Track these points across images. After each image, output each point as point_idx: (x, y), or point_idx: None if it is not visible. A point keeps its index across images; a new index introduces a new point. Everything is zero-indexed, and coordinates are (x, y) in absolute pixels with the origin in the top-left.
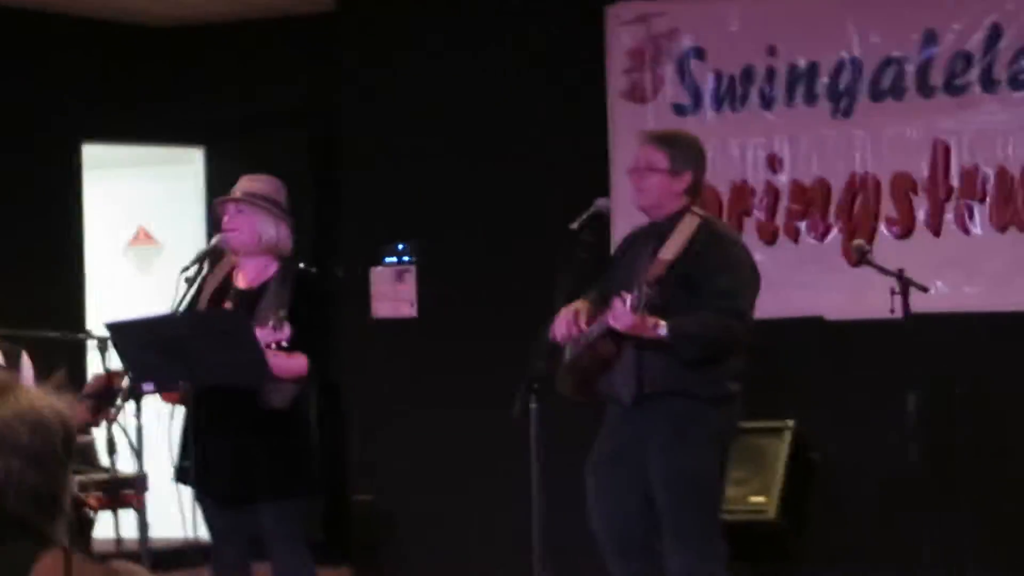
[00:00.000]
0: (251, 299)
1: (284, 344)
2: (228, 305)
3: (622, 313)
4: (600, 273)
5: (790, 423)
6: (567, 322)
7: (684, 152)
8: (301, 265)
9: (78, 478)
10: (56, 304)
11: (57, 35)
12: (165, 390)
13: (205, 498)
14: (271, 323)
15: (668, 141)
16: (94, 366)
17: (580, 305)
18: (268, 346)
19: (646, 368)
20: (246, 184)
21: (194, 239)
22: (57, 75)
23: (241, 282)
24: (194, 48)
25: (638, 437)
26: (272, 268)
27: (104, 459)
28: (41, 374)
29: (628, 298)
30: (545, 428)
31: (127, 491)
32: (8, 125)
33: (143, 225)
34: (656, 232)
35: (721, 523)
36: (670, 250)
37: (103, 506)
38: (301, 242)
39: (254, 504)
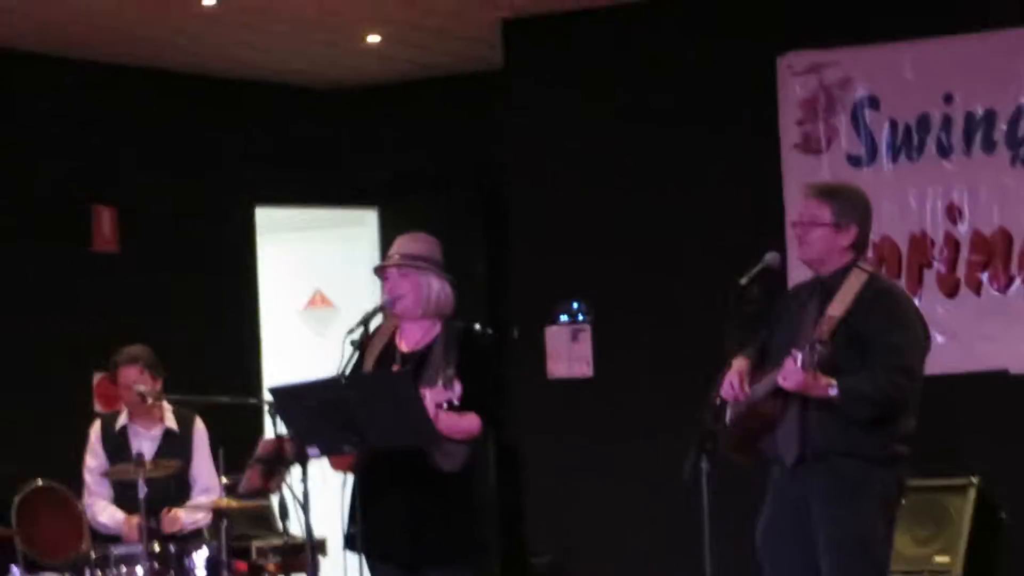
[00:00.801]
0: (417, 362)
1: (456, 403)
2: (395, 368)
3: (792, 371)
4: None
5: (975, 480)
6: (730, 383)
7: (849, 205)
8: (476, 326)
9: (256, 543)
10: (232, 368)
11: (230, 99)
12: (330, 454)
13: (375, 563)
14: (440, 382)
15: (832, 194)
16: (268, 431)
17: (741, 363)
18: (439, 406)
19: (811, 428)
20: (405, 244)
21: (370, 300)
22: (231, 138)
23: (405, 345)
24: (365, 109)
25: (802, 498)
26: (436, 329)
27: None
28: (215, 439)
29: (799, 356)
30: (717, 489)
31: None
32: (184, 189)
33: (319, 288)
34: (821, 288)
35: None
36: (838, 306)
37: (281, 571)
38: (474, 302)
39: (424, 570)
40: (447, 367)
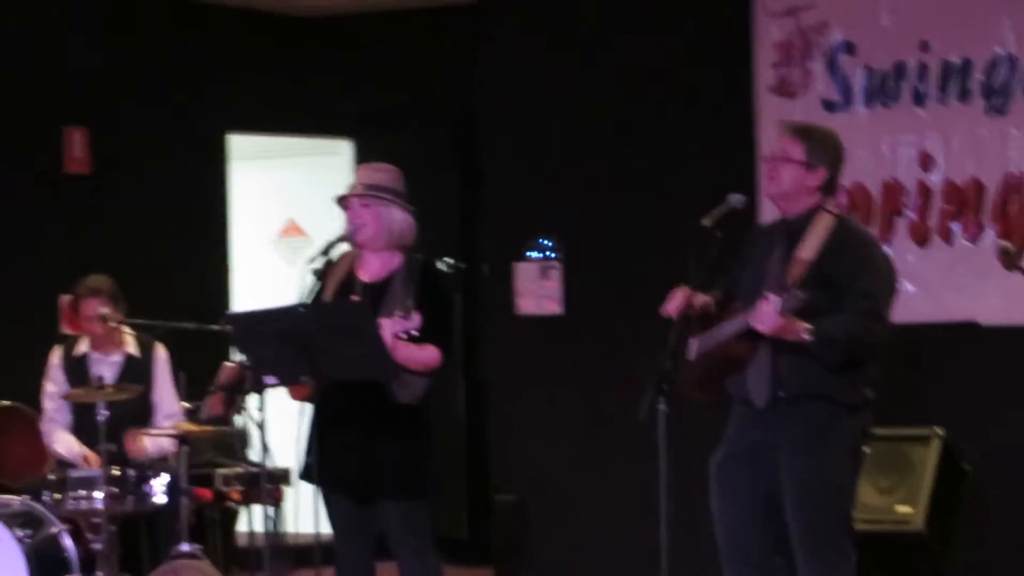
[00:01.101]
0: (376, 292)
1: (414, 333)
2: (355, 298)
3: (768, 314)
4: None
5: (939, 431)
6: (679, 301)
7: (822, 147)
8: (438, 262)
9: (220, 471)
10: (201, 296)
11: (202, 25)
12: (287, 384)
13: (330, 495)
14: (398, 313)
15: (806, 133)
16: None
17: (692, 293)
18: (396, 336)
19: (783, 371)
20: (368, 175)
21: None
22: (203, 65)
23: (365, 275)
24: (343, 39)
25: (768, 441)
26: (396, 260)
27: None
28: (177, 365)
29: (774, 300)
30: (675, 429)
31: (268, 486)
32: (154, 116)
33: (292, 217)
34: (788, 229)
35: (855, 534)
36: (808, 249)
37: (243, 499)
38: (447, 238)
39: (377, 501)
40: (406, 298)
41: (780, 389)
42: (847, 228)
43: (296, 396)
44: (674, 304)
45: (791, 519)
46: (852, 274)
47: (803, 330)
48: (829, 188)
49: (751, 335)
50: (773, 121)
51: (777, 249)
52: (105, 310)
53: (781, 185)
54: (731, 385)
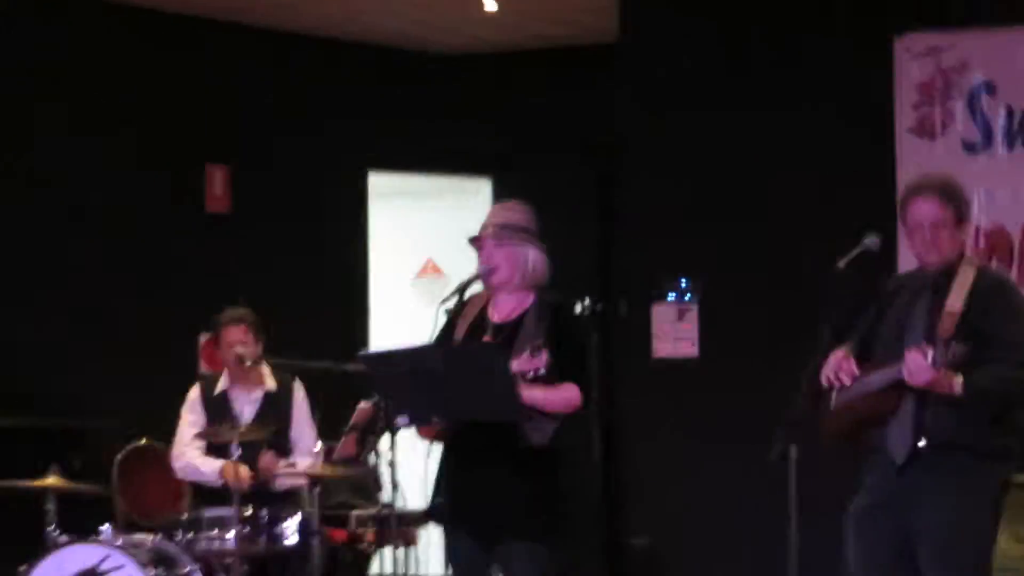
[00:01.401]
0: (508, 333)
1: (542, 372)
2: (486, 339)
3: (922, 368)
4: (860, 317)
5: None
6: (839, 367)
7: (962, 200)
8: (576, 304)
9: (355, 512)
10: (340, 335)
11: (342, 63)
12: (419, 423)
13: (453, 534)
14: (527, 352)
15: (950, 194)
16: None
17: (844, 350)
18: (524, 375)
19: (928, 422)
20: (500, 214)
21: None
22: (347, 102)
23: (496, 316)
24: (481, 78)
25: (909, 490)
26: (528, 300)
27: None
28: (313, 405)
29: (929, 352)
30: (805, 472)
31: (400, 527)
32: (295, 154)
33: (431, 257)
34: (930, 281)
35: None
36: (956, 301)
37: (377, 541)
38: (584, 277)
39: (500, 544)
40: (537, 338)
41: (922, 440)
42: (990, 277)
43: (425, 435)
44: (840, 374)
45: (927, 569)
46: (999, 324)
47: (956, 384)
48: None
49: (898, 387)
50: (912, 162)
51: (922, 301)
52: (244, 347)
53: (943, 252)
54: (874, 436)
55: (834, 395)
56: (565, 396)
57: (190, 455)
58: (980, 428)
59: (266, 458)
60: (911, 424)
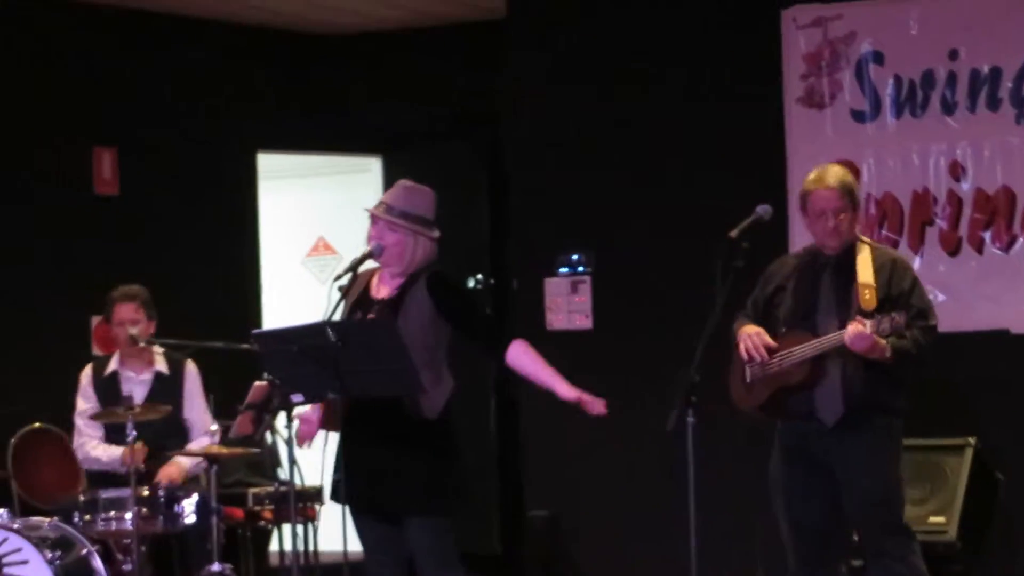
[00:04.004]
0: (390, 308)
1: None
2: (371, 316)
3: (862, 336)
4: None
5: (972, 441)
6: (756, 345)
7: (855, 188)
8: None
9: (252, 490)
10: (232, 315)
11: (232, 45)
12: (313, 400)
13: (356, 512)
14: None
15: (845, 186)
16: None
17: (756, 327)
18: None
19: (855, 386)
20: (398, 197)
21: None
22: (232, 84)
23: (381, 292)
24: (369, 56)
25: (835, 448)
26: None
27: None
28: (207, 385)
29: (868, 323)
30: (703, 442)
31: (299, 505)
32: (184, 134)
33: (322, 235)
34: (831, 261)
35: None
36: (866, 276)
37: (275, 518)
38: (476, 253)
39: (403, 518)
40: (419, 311)
41: (851, 404)
42: (884, 253)
43: (328, 427)
44: (757, 352)
45: (854, 514)
46: (905, 294)
47: (886, 349)
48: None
49: (818, 358)
50: (801, 132)
51: (826, 277)
52: (134, 330)
53: (843, 236)
54: (794, 403)
55: (748, 368)
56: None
57: (88, 448)
58: (894, 390)
59: (169, 471)
60: (840, 389)
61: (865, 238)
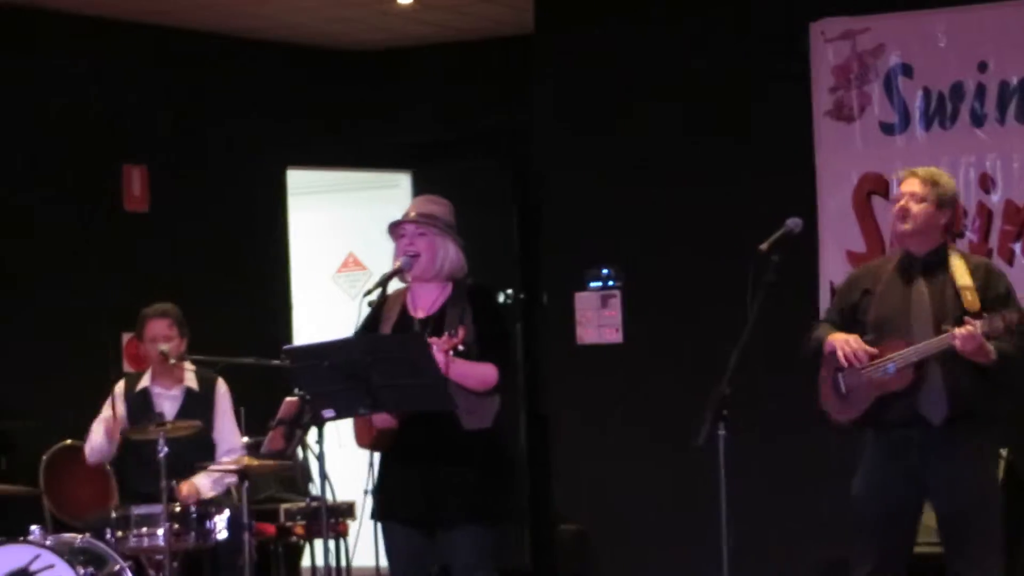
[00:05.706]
0: (433, 325)
1: (460, 348)
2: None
3: (972, 337)
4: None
5: (1004, 452)
6: (853, 350)
7: (947, 190)
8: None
9: (284, 506)
10: (263, 331)
11: (261, 62)
12: (345, 416)
13: (394, 526)
14: (446, 333)
15: (933, 177)
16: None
17: (849, 335)
18: (446, 352)
19: (961, 389)
20: (423, 205)
21: None
22: (261, 101)
23: (419, 311)
24: (399, 72)
25: (937, 451)
26: (447, 290)
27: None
28: (238, 401)
29: (978, 324)
30: (734, 454)
31: (330, 520)
32: (216, 150)
33: (352, 251)
34: (920, 264)
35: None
36: (964, 280)
37: (307, 534)
38: (506, 268)
39: (442, 531)
40: (458, 322)
41: (956, 406)
42: (976, 258)
43: (362, 443)
44: (856, 359)
45: (955, 528)
46: (1001, 299)
47: (991, 351)
48: (951, 230)
49: (920, 362)
50: (830, 146)
51: (919, 283)
52: (165, 346)
53: (916, 221)
54: (897, 410)
55: (841, 378)
56: (481, 372)
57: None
58: (994, 393)
59: (186, 490)
60: (944, 392)
61: (958, 248)
